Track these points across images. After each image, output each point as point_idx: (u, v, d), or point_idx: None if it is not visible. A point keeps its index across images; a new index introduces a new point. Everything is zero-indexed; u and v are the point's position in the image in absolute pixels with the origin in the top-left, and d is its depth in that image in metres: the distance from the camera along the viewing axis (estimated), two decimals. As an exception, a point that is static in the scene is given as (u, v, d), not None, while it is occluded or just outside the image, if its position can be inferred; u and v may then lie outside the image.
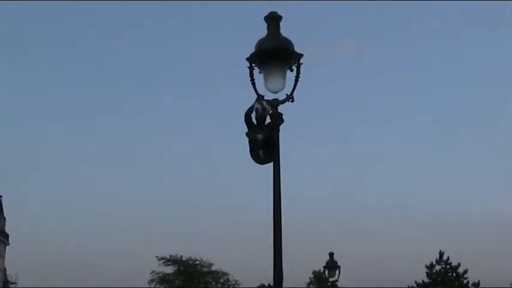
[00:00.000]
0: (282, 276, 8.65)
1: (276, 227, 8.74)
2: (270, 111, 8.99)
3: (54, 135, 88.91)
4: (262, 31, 9.30)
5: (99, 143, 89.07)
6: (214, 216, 74.23)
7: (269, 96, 9.13)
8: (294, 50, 9.18)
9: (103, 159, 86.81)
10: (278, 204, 8.78)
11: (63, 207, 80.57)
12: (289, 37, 9.30)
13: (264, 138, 8.94)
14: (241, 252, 66.64)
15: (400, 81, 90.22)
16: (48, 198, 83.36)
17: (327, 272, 24.02)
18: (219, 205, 76.30)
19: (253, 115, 9.18)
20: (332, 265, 23.71)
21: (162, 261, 55.07)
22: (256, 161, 9.02)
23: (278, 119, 9.09)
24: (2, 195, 61.90)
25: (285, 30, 9.31)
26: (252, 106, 9.17)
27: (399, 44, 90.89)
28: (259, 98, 9.12)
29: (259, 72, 9.19)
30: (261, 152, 8.96)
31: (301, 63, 9.17)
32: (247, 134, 9.14)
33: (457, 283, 51.00)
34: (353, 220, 76.53)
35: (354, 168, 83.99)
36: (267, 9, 9.36)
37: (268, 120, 9.09)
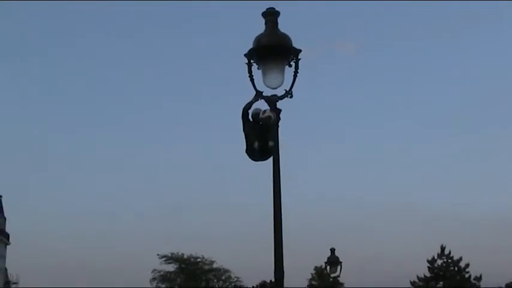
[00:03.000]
0: (283, 273, 8.60)
1: (276, 224, 8.68)
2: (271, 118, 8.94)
3: (55, 135, 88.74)
4: (260, 27, 9.24)
5: (100, 143, 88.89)
6: (216, 213, 74.20)
7: (268, 92, 9.09)
8: (292, 45, 9.14)
9: (103, 158, 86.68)
10: (278, 201, 8.73)
11: (64, 206, 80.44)
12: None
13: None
14: (242, 249, 66.62)
15: (399, 80, 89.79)
16: (49, 198, 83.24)
17: (328, 267, 23.96)
18: (220, 202, 76.43)
19: (250, 111, 9.19)
20: (333, 261, 23.65)
21: (164, 259, 55.11)
22: (251, 158, 9.08)
23: (277, 116, 9.02)
24: (2, 195, 61.83)
25: (283, 29, 9.26)
26: (251, 102, 9.17)
27: (399, 43, 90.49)
28: (258, 94, 9.10)
29: (258, 69, 9.13)
30: (256, 144, 8.93)
31: (299, 59, 9.11)
32: (244, 129, 9.15)
33: (458, 277, 51.07)
34: (354, 216, 76.36)
35: (355, 165, 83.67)
36: (264, 5, 9.30)
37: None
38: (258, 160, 9.08)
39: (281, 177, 8.82)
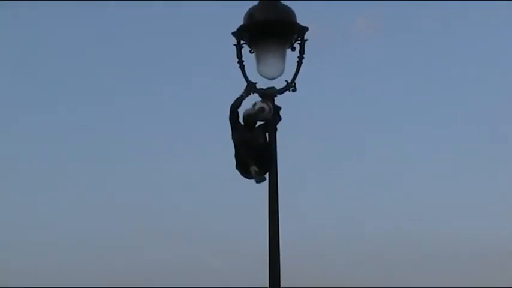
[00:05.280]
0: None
1: (272, 261, 7.10)
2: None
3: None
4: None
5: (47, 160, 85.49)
6: (192, 246, 68.96)
7: (264, 83, 7.41)
8: (296, 21, 7.43)
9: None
10: (275, 231, 7.12)
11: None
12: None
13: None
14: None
15: (431, 70, 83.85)
16: None
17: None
18: (197, 233, 72.31)
19: (241, 110, 7.41)
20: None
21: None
22: (245, 177, 7.30)
23: (276, 115, 7.36)
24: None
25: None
26: (241, 97, 7.44)
27: (431, 22, 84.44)
28: (251, 86, 7.40)
29: (250, 52, 7.52)
30: (253, 168, 7.15)
31: (306, 40, 7.42)
32: (233, 137, 7.36)
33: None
34: (373, 252, 70.95)
35: (374, 183, 77.76)
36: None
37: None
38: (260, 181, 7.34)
39: (279, 197, 7.16)
